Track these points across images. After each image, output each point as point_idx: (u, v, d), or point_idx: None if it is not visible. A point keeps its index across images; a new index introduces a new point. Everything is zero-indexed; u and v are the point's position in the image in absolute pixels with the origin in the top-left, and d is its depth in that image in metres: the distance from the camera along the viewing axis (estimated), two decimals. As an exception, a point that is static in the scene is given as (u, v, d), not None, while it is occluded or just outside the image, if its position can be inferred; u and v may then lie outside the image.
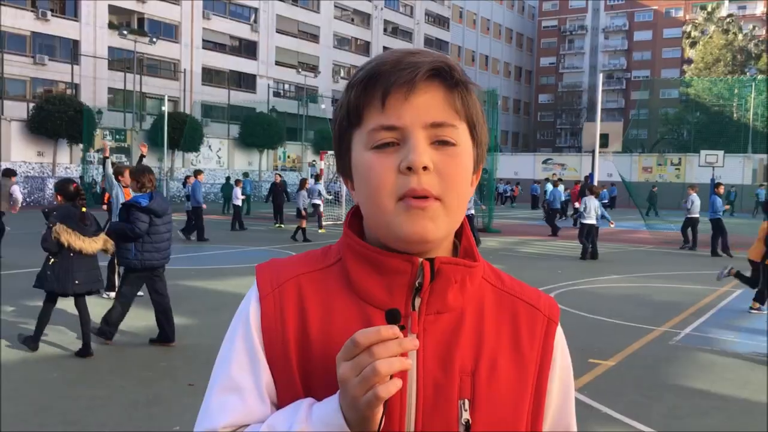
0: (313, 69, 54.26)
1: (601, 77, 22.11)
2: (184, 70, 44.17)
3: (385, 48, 61.75)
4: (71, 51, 38.46)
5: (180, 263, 13.39)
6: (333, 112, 1.03)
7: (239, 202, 20.55)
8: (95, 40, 39.65)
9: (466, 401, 0.93)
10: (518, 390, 0.97)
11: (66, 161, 34.80)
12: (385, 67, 0.93)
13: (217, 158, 42.99)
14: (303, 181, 19.31)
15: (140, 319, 8.19)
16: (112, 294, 9.49)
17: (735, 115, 54.26)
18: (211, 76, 47.24)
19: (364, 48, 60.47)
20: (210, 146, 42.08)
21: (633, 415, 5.18)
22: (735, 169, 41.95)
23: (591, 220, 15.45)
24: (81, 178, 33.76)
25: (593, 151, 22.41)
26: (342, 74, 57.27)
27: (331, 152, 28.16)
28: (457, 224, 0.97)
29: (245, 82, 49.72)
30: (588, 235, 15.42)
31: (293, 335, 0.96)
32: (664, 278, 12.72)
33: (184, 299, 9.57)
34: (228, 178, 33.61)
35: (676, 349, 7.22)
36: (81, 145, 33.89)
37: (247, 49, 50.02)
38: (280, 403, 0.96)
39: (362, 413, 0.82)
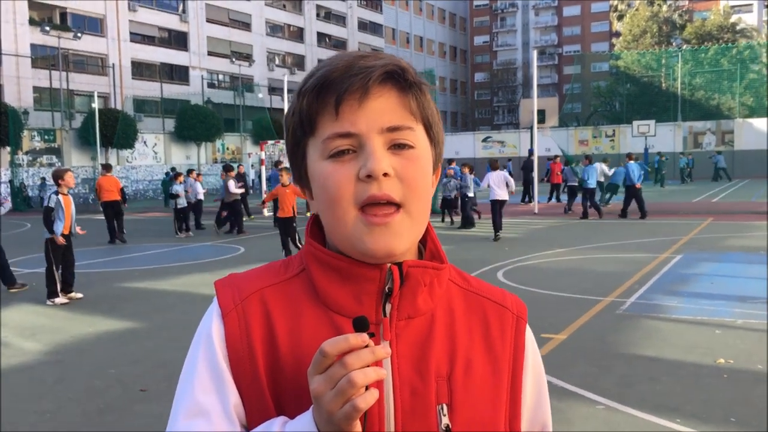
0: (247, 58, 53.42)
1: (535, 54, 22.34)
2: (113, 64, 42.83)
3: (319, 34, 61.26)
4: (-9, 50, 36.84)
5: (122, 264, 13.06)
6: (285, 119, 1.00)
7: (201, 197, 19.76)
8: (16, 38, 38.07)
9: (445, 406, 0.92)
10: (494, 391, 0.97)
11: (-7, 165, 33.43)
12: (336, 74, 0.90)
13: (154, 154, 41.96)
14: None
15: (87, 324, 7.95)
16: (57, 300, 9.19)
17: (664, 85, 55.79)
18: (141, 69, 46.00)
19: (298, 34, 59.79)
20: (145, 142, 41.03)
21: (586, 386, 5.29)
22: (666, 138, 43.28)
23: (471, 193, 17.91)
24: (11, 181, 32.52)
25: (531, 127, 22.72)
26: (277, 62, 56.51)
27: (271, 142, 27.89)
28: (422, 230, 0.96)
29: (177, 74, 48.59)
30: (473, 205, 18.07)
31: (261, 351, 0.92)
32: (606, 249, 13.04)
33: (128, 301, 9.34)
34: (167, 173, 32.88)
35: (623, 318, 7.40)
36: (8, 148, 32.58)
37: (177, 40, 48.85)
38: (249, 424, 0.92)
39: (340, 427, 0.79)
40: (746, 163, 41.61)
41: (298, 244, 12.40)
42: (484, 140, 51.06)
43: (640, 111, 52.05)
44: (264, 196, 18.91)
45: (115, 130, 35.07)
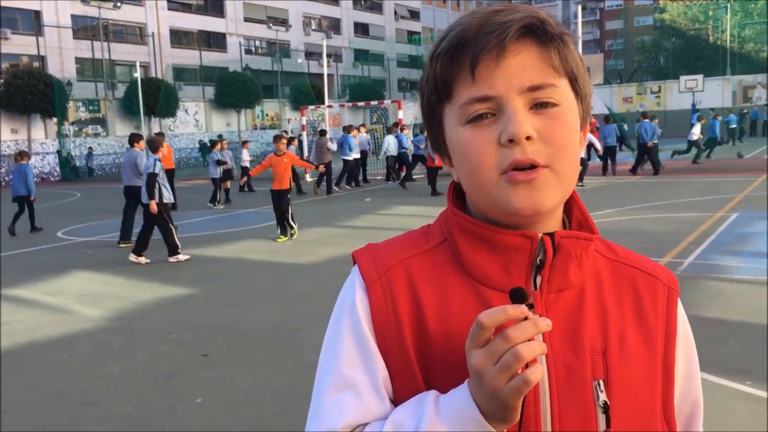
0: (284, 23, 53.14)
1: (579, 9, 21.80)
2: (152, 33, 43.08)
3: (355, -5, 60.48)
4: (33, 22, 37.30)
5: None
6: (418, 85, 0.95)
7: (248, 164, 20.14)
8: (57, 10, 38.40)
9: (601, 382, 0.87)
10: (649, 365, 0.92)
11: (41, 136, 34.13)
12: (470, 33, 0.84)
13: (195, 122, 42.35)
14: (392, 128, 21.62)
15: (146, 291, 8.12)
16: (181, 257, 9.82)
17: (711, 38, 54.05)
18: (179, 37, 46.14)
19: (333, -3, 59.20)
20: (186, 110, 41.40)
21: (651, 348, 5.20)
22: (715, 93, 42.00)
23: (393, 153, 20.92)
24: (58, 152, 33.23)
25: (575, 86, 22.31)
26: (313, 26, 56.14)
27: (311, 107, 27.88)
28: (569, 191, 0.90)
29: (215, 41, 48.64)
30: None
31: (408, 324, 0.89)
32: (656, 209, 12.78)
33: (183, 268, 9.50)
34: (202, 142, 33.15)
35: (682, 279, 7.24)
36: (55, 119, 33.22)
37: (214, 6, 48.76)
38: (397, 398, 0.89)
39: (506, 403, 0.75)
40: (799, 118, 40.16)
41: (292, 222, 11.35)
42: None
43: (686, 66, 50.56)
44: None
45: (157, 99, 35.44)
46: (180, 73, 44.87)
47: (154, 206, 9.70)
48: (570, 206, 0.95)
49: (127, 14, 41.94)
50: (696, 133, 22.79)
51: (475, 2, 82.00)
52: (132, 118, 36.00)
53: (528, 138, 0.83)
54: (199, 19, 47.15)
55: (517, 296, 0.77)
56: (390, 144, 20.82)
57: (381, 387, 0.88)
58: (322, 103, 27.73)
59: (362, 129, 22.60)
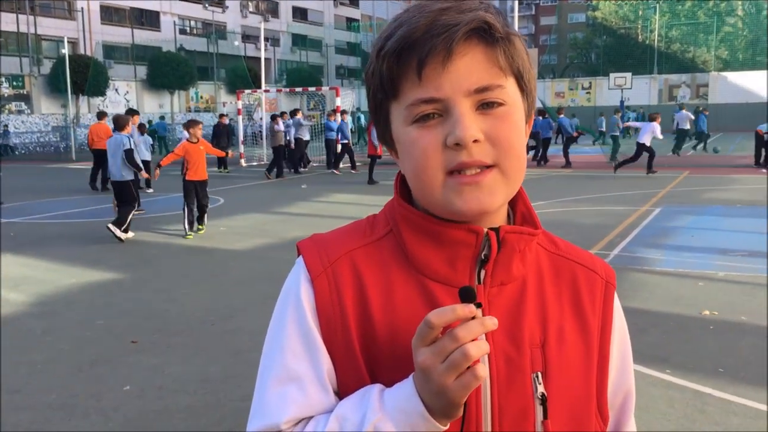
0: (220, 3, 52.02)
1: (516, 4, 22.14)
2: (81, 8, 41.48)
3: (293, -21, 59.70)
4: (-48, -8, 35.42)
5: (103, 215, 12.86)
6: (364, 77, 0.95)
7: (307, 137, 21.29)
8: (-22, -21, 36.60)
9: (539, 374, 0.89)
10: (586, 358, 0.95)
11: (-39, 112, 32.51)
12: (417, 34, 0.84)
13: (126, 102, 41.06)
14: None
15: (71, 276, 7.86)
16: (122, 235, 9.85)
17: (640, 38, 55.79)
18: (110, 14, 44.58)
19: (272, -21, 58.24)
20: (117, 90, 40.11)
21: (577, 337, 5.36)
22: (642, 90, 43.43)
23: (306, 137, 21.63)
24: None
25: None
26: (251, 8, 55.15)
27: (248, 91, 27.45)
28: (516, 188, 0.92)
29: (148, 19, 47.21)
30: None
31: (353, 316, 0.89)
32: (585, 202, 13.16)
33: (110, 253, 9.24)
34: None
35: (608, 270, 7.49)
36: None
37: (147, -17, 47.33)
38: (341, 391, 0.89)
39: (453, 400, 0.77)
40: (720, 117, 42.01)
41: (204, 218, 10.57)
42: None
43: (616, 63, 52.08)
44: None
45: (86, 77, 34.20)
46: (110, 50, 43.41)
47: (158, 173, 10.72)
48: (515, 200, 0.97)
49: (54, -13, 40.28)
50: (687, 122, 24.17)
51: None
52: (59, 96, 34.68)
53: (475, 141, 0.84)
54: (131, -4, 45.68)
55: (466, 295, 0.78)
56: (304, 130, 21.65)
57: (326, 380, 0.88)
58: (259, 87, 27.33)
59: (285, 116, 22.33)
